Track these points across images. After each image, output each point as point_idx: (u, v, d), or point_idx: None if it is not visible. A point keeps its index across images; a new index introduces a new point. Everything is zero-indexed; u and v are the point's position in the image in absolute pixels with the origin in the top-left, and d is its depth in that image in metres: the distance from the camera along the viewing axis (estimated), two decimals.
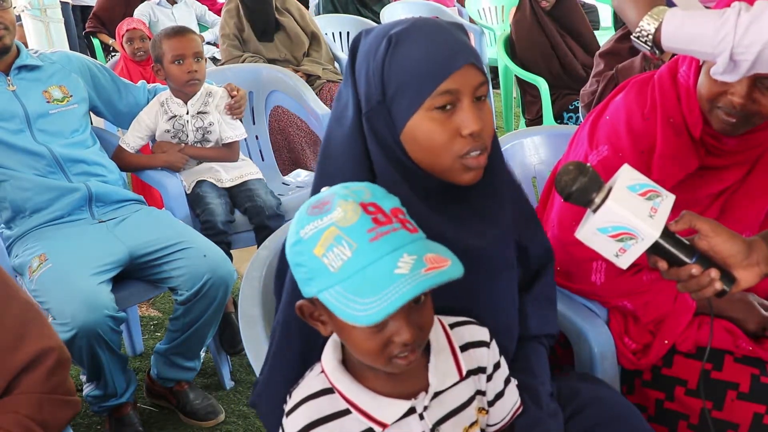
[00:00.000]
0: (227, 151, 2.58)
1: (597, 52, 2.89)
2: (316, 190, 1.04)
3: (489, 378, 1.08)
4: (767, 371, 1.37)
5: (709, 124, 1.41)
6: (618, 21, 3.53)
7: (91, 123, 2.41)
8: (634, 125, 1.45)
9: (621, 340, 1.46)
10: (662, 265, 1.13)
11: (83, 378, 2.15)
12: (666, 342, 1.44)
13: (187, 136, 2.51)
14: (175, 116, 2.49)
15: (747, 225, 1.48)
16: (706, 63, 1.37)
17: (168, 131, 2.50)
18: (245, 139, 2.68)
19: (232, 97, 2.55)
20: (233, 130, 2.56)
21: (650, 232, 1.08)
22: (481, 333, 1.08)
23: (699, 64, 1.39)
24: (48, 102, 2.21)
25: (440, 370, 1.01)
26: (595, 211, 1.10)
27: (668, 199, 1.11)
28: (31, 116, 2.16)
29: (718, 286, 1.11)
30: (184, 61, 2.44)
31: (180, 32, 2.51)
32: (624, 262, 1.12)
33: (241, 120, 2.61)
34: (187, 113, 2.50)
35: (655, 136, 1.43)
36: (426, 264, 0.86)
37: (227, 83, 2.60)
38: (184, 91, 2.48)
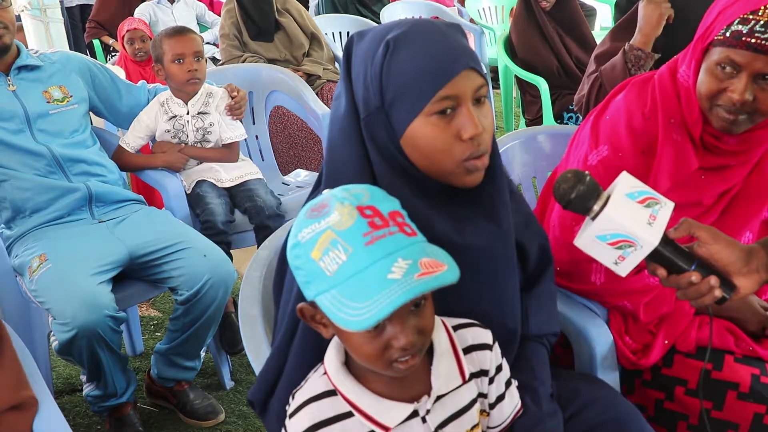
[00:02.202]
0: (227, 152, 2.58)
1: (592, 54, 2.88)
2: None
3: (491, 381, 1.07)
4: (766, 370, 1.37)
5: (710, 124, 1.40)
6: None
7: (91, 123, 2.41)
8: (635, 125, 1.45)
9: (621, 339, 1.46)
10: (662, 272, 1.12)
11: (83, 378, 2.15)
12: (666, 342, 1.44)
13: (187, 136, 2.51)
14: (175, 116, 2.49)
15: (747, 224, 1.48)
16: (705, 62, 1.37)
17: (168, 131, 2.50)
18: (245, 139, 2.68)
19: (233, 98, 2.55)
20: (233, 131, 2.56)
21: (649, 240, 1.08)
22: (484, 335, 1.08)
23: (699, 63, 1.39)
24: (48, 102, 2.21)
25: (443, 373, 1.00)
26: (593, 218, 1.10)
27: (667, 207, 1.11)
28: (31, 116, 2.16)
29: (718, 293, 1.11)
30: (185, 61, 2.45)
31: (180, 32, 2.51)
32: (623, 270, 1.11)
33: (241, 121, 2.61)
34: (188, 113, 2.50)
35: (655, 135, 1.43)
36: (420, 269, 0.86)
37: (227, 84, 2.60)
38: (185, 90, 2.48)
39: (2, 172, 2.11)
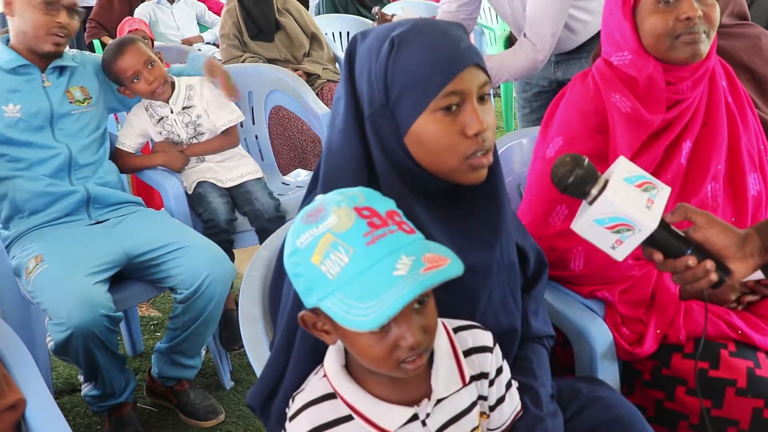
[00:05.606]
0: (227, 138, 2.54)
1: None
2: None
3: (491, 383, 1.07)
4: (759, 363, 1.38)
5: (668, 75, 1.45)
6: None
7: None
8: (583, 109, 1.51)
9: (618, 331, 1.47)
10: (658, 256, 1.14)
11: (81, 378, 2.15)
12: (658, 331, 1.44)
13: (179, 135, 2.49)
14: (162, 118, 2.46)
15: (708, 175, 1.50)
16: (643, 12, 1.44)
17: (160, 133, 2.48)
18: (245, 138, 2.66)
19: (215, 76, 2.48)
20: (228, 115, 2.51)
21: (647, 224, 1.08)
22: (485, 338, 1.07)
23: (633, 24, 1.46)
24: (71, 102, 2.22)
25: (443, 376, 1.00)
26: (591, 203, 1.10)
27: (664, 191, 1.12)
28: (55, 115, 2.17)
29: (714, 277, 1.12)
30: (141, 77, 2.36)
31: (121, 51, 2.34)
32: (620, 254, 1.12)
33: (238, 105, 2.57)
34: (172, 112, 2.47)
35: (605, 113, 1.48)
36: (425, 264, 0.86)
37: (207, 60, 2.53)
38: (159, 99, 2.44)
39: (11, 167, 2.11)
